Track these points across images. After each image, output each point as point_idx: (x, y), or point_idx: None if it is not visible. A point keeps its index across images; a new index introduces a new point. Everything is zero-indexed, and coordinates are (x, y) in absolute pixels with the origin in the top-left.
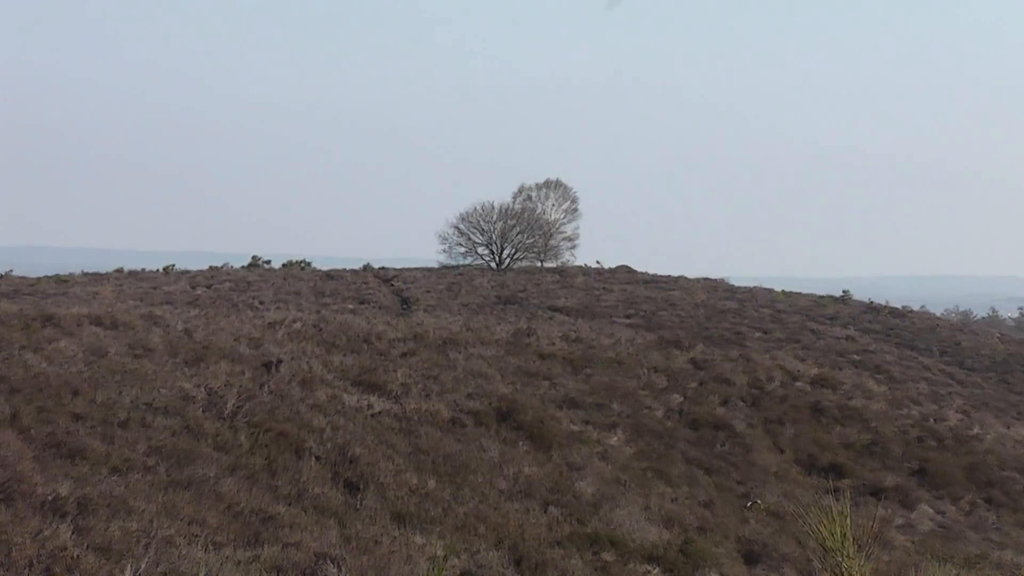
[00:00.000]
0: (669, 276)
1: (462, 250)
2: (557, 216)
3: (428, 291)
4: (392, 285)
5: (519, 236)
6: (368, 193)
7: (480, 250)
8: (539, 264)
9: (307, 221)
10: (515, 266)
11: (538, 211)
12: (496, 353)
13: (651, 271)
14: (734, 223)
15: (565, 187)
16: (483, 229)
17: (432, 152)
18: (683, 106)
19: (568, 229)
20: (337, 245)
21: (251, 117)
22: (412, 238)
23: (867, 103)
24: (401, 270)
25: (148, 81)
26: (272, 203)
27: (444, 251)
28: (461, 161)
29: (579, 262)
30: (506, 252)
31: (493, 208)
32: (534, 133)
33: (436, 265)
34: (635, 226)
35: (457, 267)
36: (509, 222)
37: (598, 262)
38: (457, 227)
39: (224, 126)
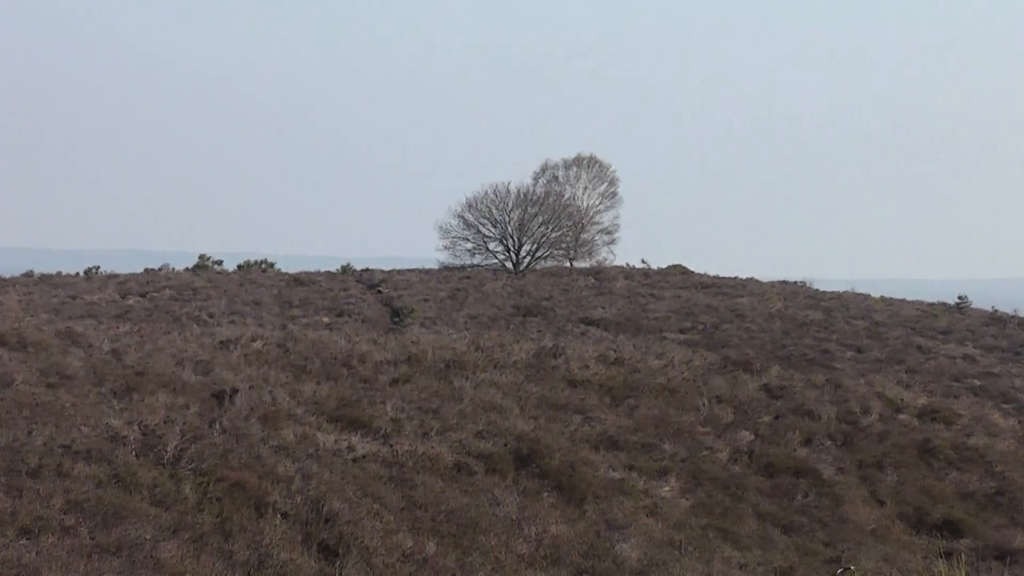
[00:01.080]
0: (736, 279)
1: (469, 247)
2: (591, 202)
3: (426, 299)
4: (379, 292)
5: (542, 228)
6: (349, 178)
7: (492, 246)
8: (568, 264)
9: (270, 212)
10: (537, 267)
11: (566, 196)
12: (514, 379)
13: (712, 272)
14: (819, 212)
15: (601, 165)
16: (496, 220)
17: (430, 129)
18: (753, 70)
19: (605, 219)
20: (309, 242)
21: (195, 85)
22: (405, 232)
23: (990, 69)
24: (391, 272)
25: (56, 37)
26: (225, 190)
27: (446, 248)
28: (467, 140)
29: (620, 261)
30: (525, 249)
31: (508, 192)
32: (559, 107)
33: (436, 266)
34: (691, 216)
35: (463, 268)
36: (530, 210)
37: (644, 261)
38: (462, 217)
39: (163, 95)
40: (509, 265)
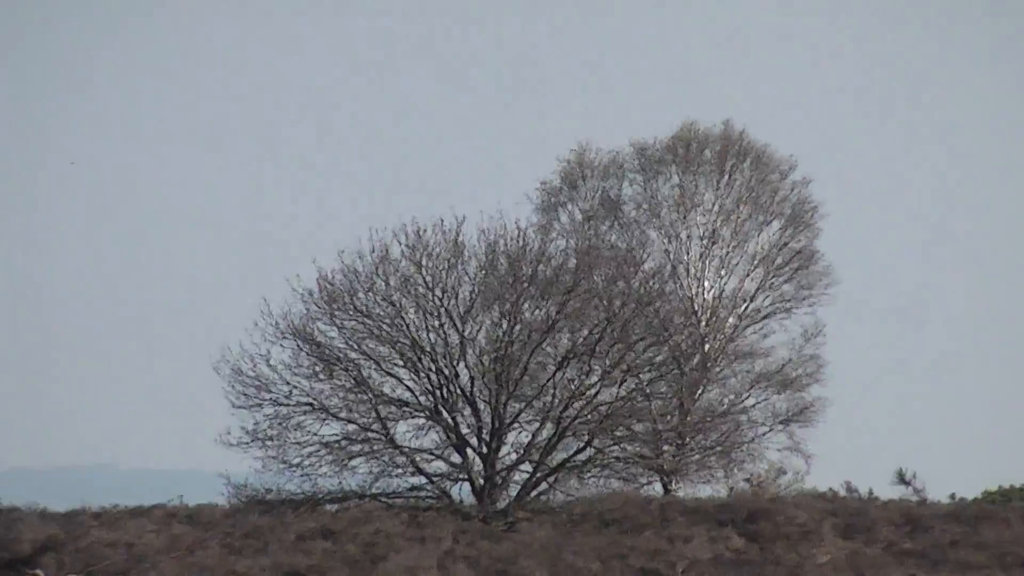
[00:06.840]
0: None
1: (334, 433)
2: (743, 282)
3: None
4: None
5: (571, 372)
6: None
7: (405, 427)
8: (659, 486)
9: None
10: (552, 494)
11: (648, 263)
12: None
13: None
14: None
15: (761, 161)
16: (418, 347)
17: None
18: None
19: (797, 336)
20: None
21: None
22: (114, 414)
23: None
24: (76, 517)
25: None
26: None
27: (255, 441)
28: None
29: (823, 478)
30: (513, 440)
31: (460, 249)
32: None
33: (224, 497)
34: None
35: (315, 502)
36: (532, 309)
37: (905, 478)
38: (308, 339)
39: None
40: (465, 492)
